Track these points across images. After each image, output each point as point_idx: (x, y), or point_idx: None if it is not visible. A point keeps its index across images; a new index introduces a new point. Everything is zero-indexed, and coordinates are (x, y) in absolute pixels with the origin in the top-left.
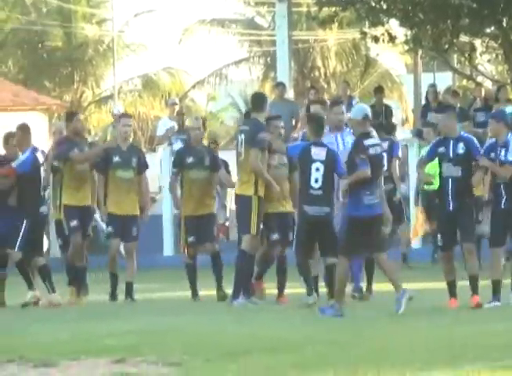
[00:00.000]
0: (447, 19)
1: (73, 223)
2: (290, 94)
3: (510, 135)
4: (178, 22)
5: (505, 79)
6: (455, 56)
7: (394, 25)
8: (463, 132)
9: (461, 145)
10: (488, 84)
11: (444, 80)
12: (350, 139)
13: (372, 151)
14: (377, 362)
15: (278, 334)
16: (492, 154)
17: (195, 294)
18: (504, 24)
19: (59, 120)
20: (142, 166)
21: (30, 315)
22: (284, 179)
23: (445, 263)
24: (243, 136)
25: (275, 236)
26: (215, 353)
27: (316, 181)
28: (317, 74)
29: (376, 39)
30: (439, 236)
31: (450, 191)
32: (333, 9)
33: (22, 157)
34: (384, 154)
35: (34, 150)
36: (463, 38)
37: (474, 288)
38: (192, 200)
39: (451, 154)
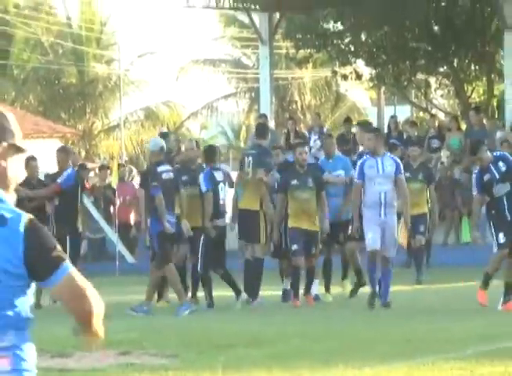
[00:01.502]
0: (406, 60)
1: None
2: (271, 124)
3: None
4: (175, 62)
5: (455, 111)
6: (413, 91)
7: (360, 65)
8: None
9: (501, 164)
10: (441, 115)
11: (403, 112)
12: (389, 163)
13: (165, 176)
14: (347, 354)
15: (258, 330)
16: None
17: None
18: (455, 65)
19: (73, 145)
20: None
21: (46, 313)
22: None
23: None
24: (250, 158)
25: (295, 247)
26: (206, 346)
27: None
28: (294, 106)
29: (345, 77)
30: (501, 234)
31: (506, 205)
32: (309, 51)
33: (65, 173)
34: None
35: (73, 169)
36: (420, 76)
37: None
38: (188, 216)
39: (497, 176)
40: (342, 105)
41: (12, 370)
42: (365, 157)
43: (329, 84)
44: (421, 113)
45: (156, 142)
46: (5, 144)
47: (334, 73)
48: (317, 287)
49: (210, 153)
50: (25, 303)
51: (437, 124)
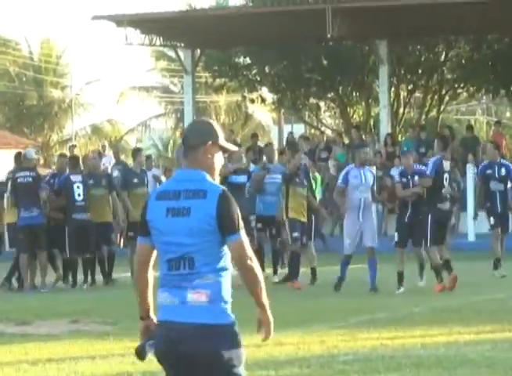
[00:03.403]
0: (301, 88)
1: None
2: None
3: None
4: (116, 88)
5: (340, 129)
6: (306, 112)
7: (265, 91)
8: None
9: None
10: (328, 132)
11: (299, 129)
12: (369, 175)
13: (20, 180)
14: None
15: None
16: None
17: None
18: (340, 92)
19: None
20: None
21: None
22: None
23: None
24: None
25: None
26: None
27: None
28: None
29: (252, 101)
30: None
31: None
32: (223, 80)
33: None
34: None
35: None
36: (312, 101)
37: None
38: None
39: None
40: (250, 123)
41: (209, 301)
42: (349, 167)
43: (239, 106)
44: (313, 130)
45: (30, 152)
46: (210, 142)
47: (244, 97)
48: None
49: (74, 162)
50: (221, 253)
51: (325, 139)
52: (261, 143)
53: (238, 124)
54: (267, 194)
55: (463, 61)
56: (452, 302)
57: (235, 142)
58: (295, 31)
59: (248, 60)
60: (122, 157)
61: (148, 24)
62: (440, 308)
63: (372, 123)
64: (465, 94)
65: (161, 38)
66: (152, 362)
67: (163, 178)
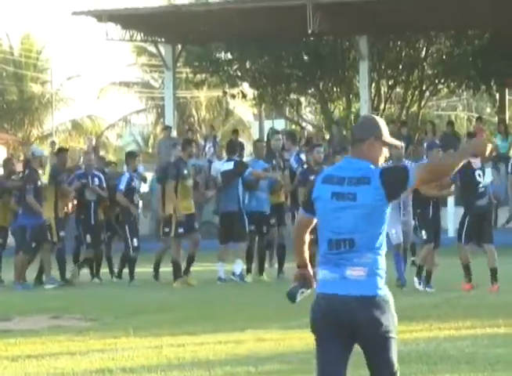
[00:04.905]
0: (281, 83)
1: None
2: (173, 134)
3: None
4: (96, 83)
5: (321, 124)
6: (287, 108)
7: (245, 87)
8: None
9: None
10: (309, 127)
11: (279, 125)
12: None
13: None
14: (233, 319)
15: (164, 299)
16: None
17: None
18: (320, 87)
19: (14, 150)
20: None
21: None
22: None
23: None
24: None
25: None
26: (121, 312)
27: None
28: (192, 120)
29: (233, 96)
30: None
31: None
32: (204, 75)
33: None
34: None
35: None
36: (293, 96)
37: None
38: None
39: None
40: (231, 119)
41: (366, 275)
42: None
43: (220, 102)
44: (294, 126)
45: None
46: (373, 137)
47: (224, 93)
48: (240, 267)
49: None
50: (380, 233)
51: (306, 134)
52: (241, 139)
53: (219, 119)
54: (259, 190)
55: (444, 57)
56: (432, 298)
57: (215, 138)
58: (276, 27)
59: (229, 56)
60: (102, 153)
61: (128, 20)
62: (420, 304)
63: (353, 118)
64: (445, 90)
65: (142, 34)
66: (131, 359)
67: (148, 175)
